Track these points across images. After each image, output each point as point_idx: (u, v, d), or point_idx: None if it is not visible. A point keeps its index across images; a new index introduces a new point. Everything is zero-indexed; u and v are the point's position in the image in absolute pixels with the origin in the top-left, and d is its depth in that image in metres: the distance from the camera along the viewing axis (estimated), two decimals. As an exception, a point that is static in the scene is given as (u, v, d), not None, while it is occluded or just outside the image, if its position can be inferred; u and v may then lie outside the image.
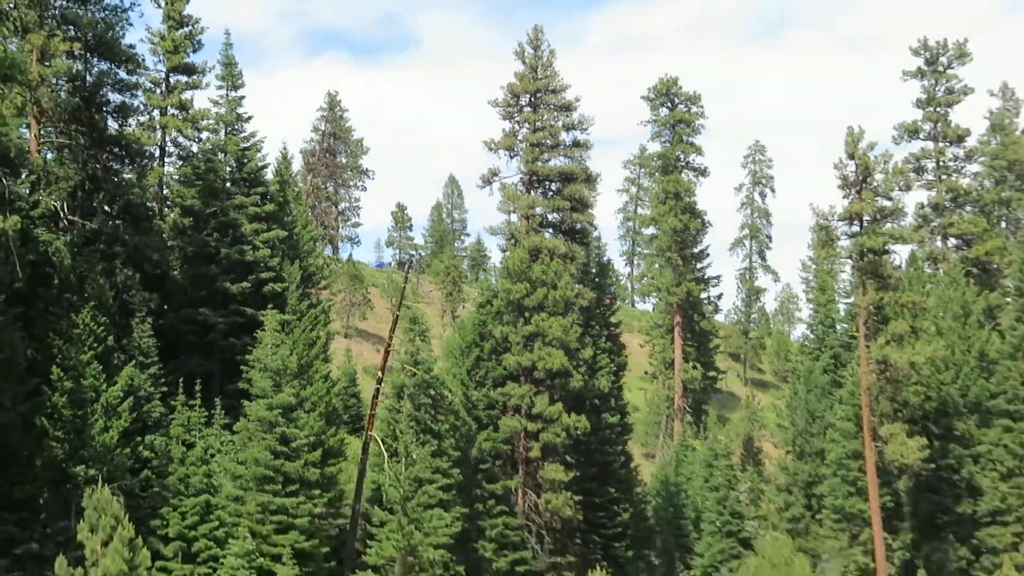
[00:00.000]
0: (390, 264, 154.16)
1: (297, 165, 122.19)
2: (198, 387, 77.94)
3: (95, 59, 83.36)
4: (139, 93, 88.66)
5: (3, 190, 67.52)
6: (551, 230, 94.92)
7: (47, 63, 76.91)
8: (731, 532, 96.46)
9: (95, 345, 69.46)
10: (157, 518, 68.72)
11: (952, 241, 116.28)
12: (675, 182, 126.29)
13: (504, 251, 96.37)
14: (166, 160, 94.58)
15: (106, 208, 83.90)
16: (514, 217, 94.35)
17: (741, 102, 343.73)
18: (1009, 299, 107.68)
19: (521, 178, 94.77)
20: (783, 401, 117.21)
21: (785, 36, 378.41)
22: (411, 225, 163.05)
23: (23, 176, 73.81)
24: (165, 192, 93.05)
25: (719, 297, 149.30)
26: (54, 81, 79.33)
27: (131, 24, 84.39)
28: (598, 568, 78.79)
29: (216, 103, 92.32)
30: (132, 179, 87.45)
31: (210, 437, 75.41)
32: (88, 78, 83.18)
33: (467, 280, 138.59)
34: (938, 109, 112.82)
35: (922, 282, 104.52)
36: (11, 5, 72.49)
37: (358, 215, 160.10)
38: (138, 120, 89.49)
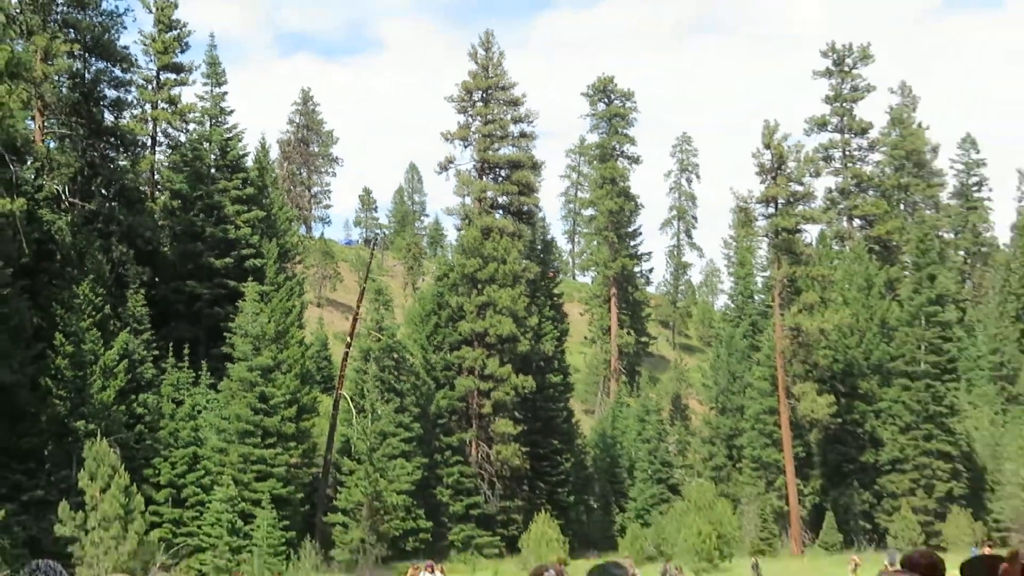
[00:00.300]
0: (357, 241, 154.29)
1: (274, 153, 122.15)
2: (186, 351, 78.26)
3: (93, 59, 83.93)
4: (132, 89, 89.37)
5: (11, 175, 67.39)
6: (501, 211, 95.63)
7: (50, 62, 77.66)
8: (661, 479, 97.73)
9: (94, 313, 70.16)
10: (150, 467, 69.32)
11: (856, 222, 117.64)
12: (611, 169, 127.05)
13: (459, 230, 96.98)
14: (157, 149, 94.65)
15: (103, 191, 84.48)
16: (468, 200, 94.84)
17: (673, 98, 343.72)
18: (907, 273, 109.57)
19: (474, 165, 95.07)
20: (707, 363, 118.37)
21: (708, 39, 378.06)
22: (376, 207, 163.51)
23: (29, 163, 74.05)
24: (156, 177, 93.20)
25: (650, 271, 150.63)
26: (56, 78, 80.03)
27: (125, 27, 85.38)
28: (543, 511, 79.47)
29: (202, 98, 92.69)
30: (126, 166, 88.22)
31: (197, 396, 76.08)
32: (87, 76, 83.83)
33: (426, 256, 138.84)
34: (844, 105, 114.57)
35: (830, 258, 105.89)
36: (18, 10, 73.24)
37: (329, 198, 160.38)
38: (131, 113, 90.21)
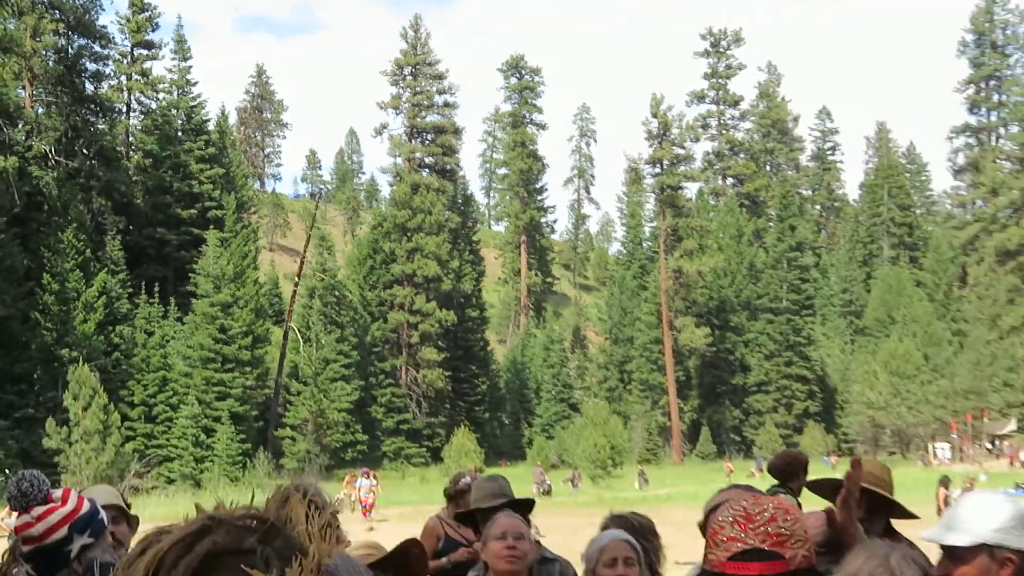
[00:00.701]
0: (304, 195, 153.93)
1: (232, 119, 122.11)
2: (156, 289, 78.82)
3: (75, 36, 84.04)
4: (110, 63, 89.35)
5: (4, 137, 68.14)
6: (427, 170, 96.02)
7: (38, 39, 78.08)
8: (563, 399, 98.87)
9: (76, 256, 70.49)
10: (125, 389, 69.91)
11: (729, 180, 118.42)
12: (521, 134, 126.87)
13: (392, 186, 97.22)
14: (131, 115, 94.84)
15: (84, 151, 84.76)
16: (399, 160, 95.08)
17: (577, 71, 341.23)
18: (771, 224, 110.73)
19: (405, 130, 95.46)
20: (603, 300, 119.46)
21: (609, 18, 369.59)
22: (320, 166, 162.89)
23: (20, 126, 73.96)
24: (130, 139, 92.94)
25: (554, 221, 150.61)
26: (43, 53, 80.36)
27: (103, 9, 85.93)
28: (462, 427, 79.43)
29: (170, 71, 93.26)
30: (105, 129, 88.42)
31: (166, 327, 76.64)
32: (70, 51, 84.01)
33: (363, 208, 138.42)
34: (719, 80, 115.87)
35: (707, 211, 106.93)
36: (10, -7, 73.79)
37: (279, 158, 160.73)
38: (109, 84, 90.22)
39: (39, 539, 4.80)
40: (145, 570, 1.23)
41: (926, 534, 4.21)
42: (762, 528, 2.90)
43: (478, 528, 6.93)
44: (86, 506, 5.05)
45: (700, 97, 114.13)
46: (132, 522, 6.15)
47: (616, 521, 5.97)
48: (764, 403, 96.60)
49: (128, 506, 6.25)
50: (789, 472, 8.04)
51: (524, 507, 7.04)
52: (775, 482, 8.15)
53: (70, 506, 4.97)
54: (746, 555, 2.89)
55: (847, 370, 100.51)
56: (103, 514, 5.29)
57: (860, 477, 4.93)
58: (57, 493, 5.18)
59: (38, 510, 4.93)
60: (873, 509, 5.54)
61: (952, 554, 3.92)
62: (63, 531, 4.80)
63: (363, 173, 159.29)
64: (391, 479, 66.64)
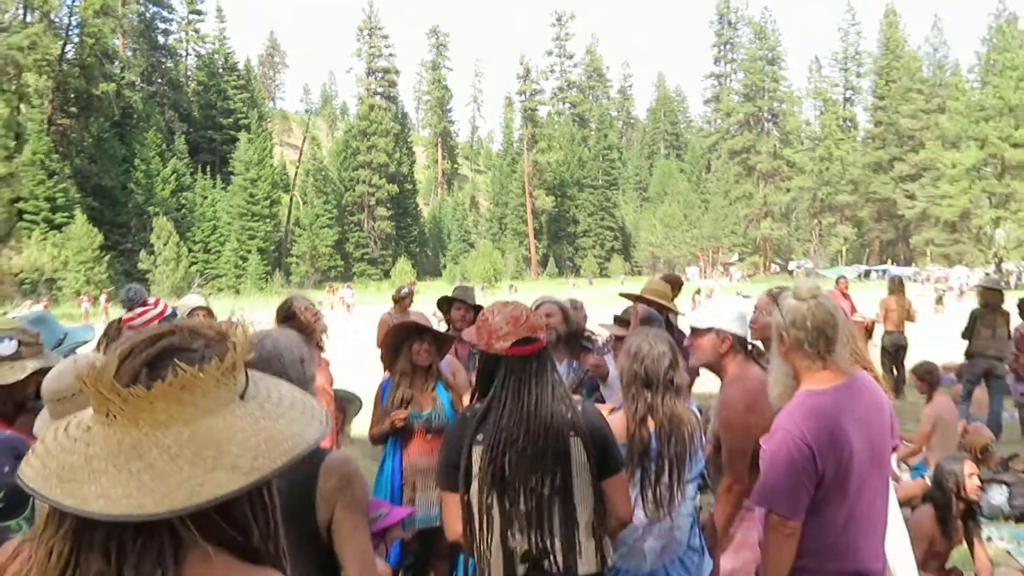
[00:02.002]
0: (301, 111, 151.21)
1: (254, 61, 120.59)
2: (208, 169, 79.45)
3: (150, 5, 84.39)
4: (173, 22, 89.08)
5: (106, 71, 67.48)
6: (379, 96, 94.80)
7: (126, 6, 78.86)
8: (464, 240, 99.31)
9: (156, 148, 71.69)
10: (189, 232, 70.89)
11: (567, 104, 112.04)
12: (437, 75, 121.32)
13: (357, 106, 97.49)
14: (188, 57, 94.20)
15: (158, 80, 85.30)
16: (361, 89, 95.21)
17: (474, 33, 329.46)
18: (593, 131, 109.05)
19: (364, 70, 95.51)
20: (489, 179, 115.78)
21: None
22: (310, 92, 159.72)
23: (115, 64, 73.26)
24: (188, 74, 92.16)
25: (458, 130, 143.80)
26: (130, 16, 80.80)
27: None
28: (403, 256, 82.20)
29: (214, 30, 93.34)
30: (171, 66, 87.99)
31: (214, 194, 77.03)
32: (147, 15, 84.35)
33: (339, 119, 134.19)
34: (561, 42, 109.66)
35: (552, 124, 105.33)
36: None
37: (284, 87, 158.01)
38: (173, 37, 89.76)
39: (138, 328, 4.68)
40: (119, 355, 1.24)
41: (685, 319, 4.52)
42: (524, 321, 2.93)
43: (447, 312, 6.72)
44: (169, 309, 5.25)
45: (549, 52, 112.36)
46: (214, 317, 6.02)
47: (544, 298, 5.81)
48: (586, 243, 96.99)
49: (209, 307, 6.21)
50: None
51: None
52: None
53: (159, 308, 5.19)
54: (519, 342, 2.90)
55: (637, 223, 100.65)
56: (179, 315, 5.52)
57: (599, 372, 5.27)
58: (151, 299, 5.47)
59: (139, 309, 5.13)
60: (658, 309, 5.68)
61: (695, 332, 4.02)
62: (154, 324, 4.72)
63: (338, 98, 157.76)
64: (359, 289, 65.37)
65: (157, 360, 1.24)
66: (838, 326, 3.04)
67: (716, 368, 4.00)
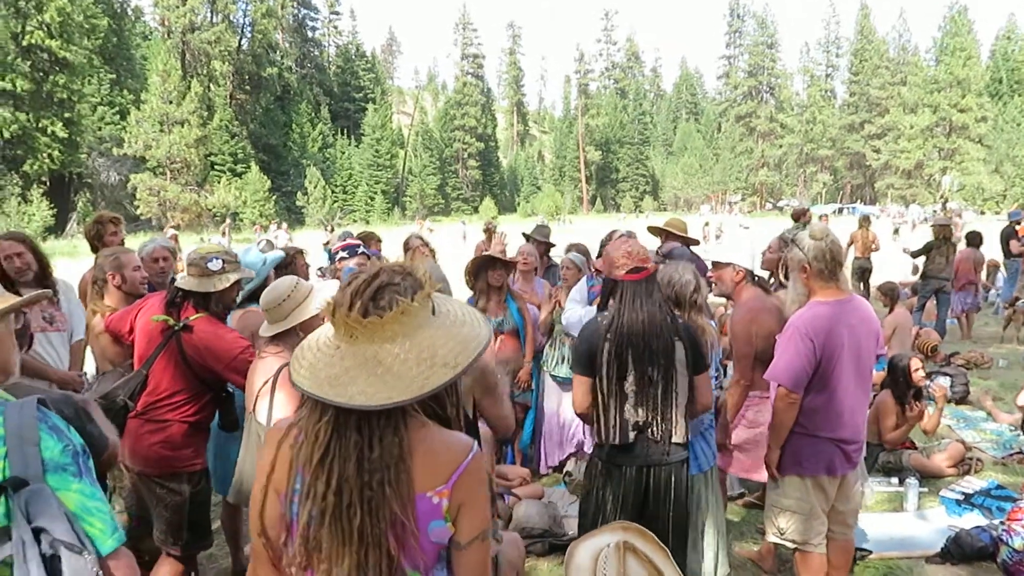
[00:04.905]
0: (413, 87, 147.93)
1: (379, 50, 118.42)
2: (346, 132, 78.38)
3: (301, 7, 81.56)
4: (318, 21, 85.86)
5: (271, 57, 67.42)
6: (470, 76, 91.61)
7: (284, 9, 76.00)
8: (534, 184, 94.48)
9: (308, 115, 71.18)
10: (331, 179, 69.92)
11: (612, 80, 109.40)
12: (514, 59, 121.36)
13: (456, 82, 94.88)
14: (330, 47, 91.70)
15: (308, 64, 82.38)
16: (457, 71, 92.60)
17: (542, 26, 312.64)
18: (629, 103, 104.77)
19: (459, 55, 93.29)
20: (551, 138, 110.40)
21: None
22: (419, 73, 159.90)
23: (277, 52, 72.29)
24: (329, 60, 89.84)
25: (528, 102, 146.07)
26: (287, 16, 78.00)
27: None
28: (488, 196, 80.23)
29: (349, 26, 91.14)
30: (318, 54, 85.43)
31: (350, 150, 75.39)
32: (299, 15, 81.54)
33: (441, 93, 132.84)
34: (608, 33, 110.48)
35: (600, 96, 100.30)
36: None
37: (400, 69, 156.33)
38: (318, 32, 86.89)
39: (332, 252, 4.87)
40: (351, 292, 1.35)
41: (705, 255, 4.27)
42: (638, 255, 2.92)
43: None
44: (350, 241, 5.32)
45: (598, 40, 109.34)
46: (431, 248, 6.08)
47: (575, 247, 5.83)
48: (625, 187, 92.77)
49: (427, 242, 6.10)
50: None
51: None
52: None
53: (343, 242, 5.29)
54: (633, 270, 2.90)
55: (664, 172, 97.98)
56: (408, 248, 5.70)
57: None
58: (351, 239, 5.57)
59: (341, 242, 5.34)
60: (680, 241, 5.32)
61: (716, 265, 3.89)
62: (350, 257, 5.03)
63: (440, 76, 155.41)
64: (457, 219, 63.22)
65: (376, 294, 1.35)
66: (844, 257, 3.17)
67: (731, 296, 3.97)
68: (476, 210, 78.98)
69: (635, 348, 2.86)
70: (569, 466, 5.13)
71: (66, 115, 43.36)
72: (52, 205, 41.74)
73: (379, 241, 6.68)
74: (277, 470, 1.40)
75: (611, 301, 3.01)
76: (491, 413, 2.52)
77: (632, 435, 2.89)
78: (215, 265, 3.20)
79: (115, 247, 4.17)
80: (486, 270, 4.90)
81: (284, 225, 36.21)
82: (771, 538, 3.33)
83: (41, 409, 1.54)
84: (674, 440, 2.92)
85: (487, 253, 5.05)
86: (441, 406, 1.43)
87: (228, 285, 3.21)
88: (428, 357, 1.31)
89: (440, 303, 1.44)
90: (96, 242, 4.49)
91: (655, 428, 2.89)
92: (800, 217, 10.11)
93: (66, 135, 43.15)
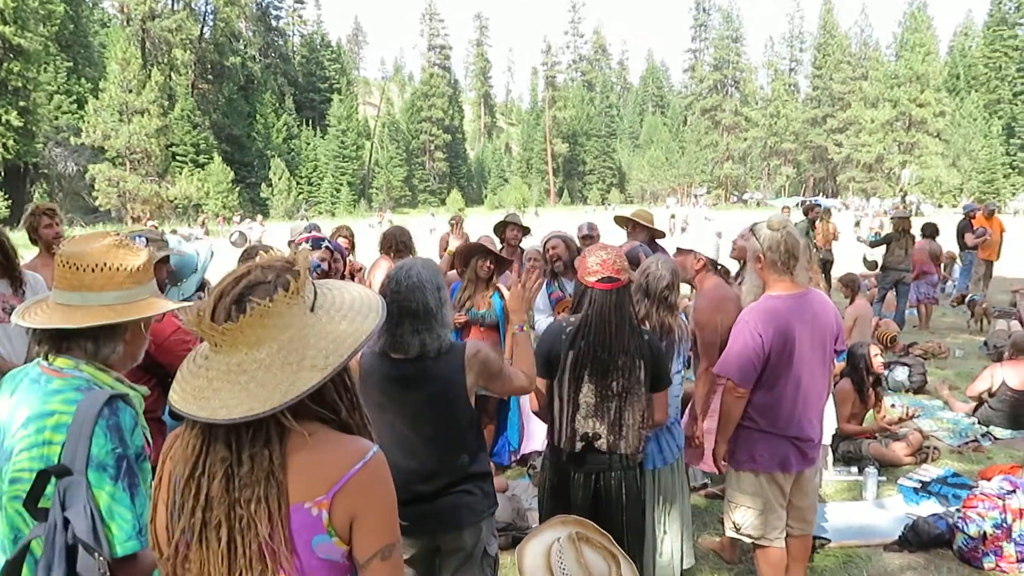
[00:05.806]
0: (378, 78, 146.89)
1: (344, 40, 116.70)
2: (310, 123, 76.82)
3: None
4: (283, 10, 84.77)
5: (234, 47, 66.39)
6: (437, 67, 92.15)
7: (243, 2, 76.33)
8: (500, 176, 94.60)
9: (271, 106, 69.82)
10: (296, 170, 69.46)
11: (579, 72, 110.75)
12: (481, 50, 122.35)
13: (421, 73, 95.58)
14: (295, 36, 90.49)
15: (272, 54, 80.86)
16: (424, 61, 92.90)
17: (505, 18, 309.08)
18: (596, 94, 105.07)
19: (426, 46, 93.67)
20: (518, 130, 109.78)
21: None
22: (385, 64, 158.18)
23: (240, 41, 71.08)
24: (294, 49, 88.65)
25: (495, 93, 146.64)
26: (250, 4, 76.14)
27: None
28: (455, 188, 79.92)
29: (313, 15, 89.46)
30: (282, 43, 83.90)
31: (315, 140, 74.45)
32: (263, 3, 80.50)
33: (407, 84, 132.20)
34: (575, 25, 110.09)
35: (567, 88, 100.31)
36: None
37: (366, 60, 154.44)
38: (282, 21, 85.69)
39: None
40: (213, 297, 1.26)
41: (671, 242, 4.39)
42: (612, 264, 2.85)
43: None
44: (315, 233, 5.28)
45: (565, 33, 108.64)
46: (353, 236, 6.24)
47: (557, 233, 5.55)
48: (592, 179, 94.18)
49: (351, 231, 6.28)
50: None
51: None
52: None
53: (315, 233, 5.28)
54: (604, 279, 2.84)
55: (630, 164, 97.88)
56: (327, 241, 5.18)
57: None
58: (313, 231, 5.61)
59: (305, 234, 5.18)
60: (646, 232, 5.47)
61: (679, 251, 3.96)
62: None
63: (406, 67, 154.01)
64: (424, 211, 64.24)
65: (241, 296, 1.26)
66: (801, 251, 3.09)
67: (692, 283, 4.00)
68: (443, 202, 78.70)
69: (597, 362, 2.85)
70: (534, 459, 5.12)
71: (21, 103, 42.40)
72: (7, 196, 40.88)
73: (350, 237, 6.25)
74: (163, 481, 1.33)
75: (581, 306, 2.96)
76: (506, 391, 2.63)
77: (580, 445, 2.90)
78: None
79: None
80: (476, 259, 4.89)
81: (260, 217, 35.93)
82: (729, 533, 3.34)
83: (111, 406, 1.61)
84: (622, 452, 2.92)
85: (482, 243, 5.07)
86: (334, 411, 1.31)
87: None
88: (295, 361, 1.22)
89: (328, 293, 1.34)
90: (32, 234, 4.39)
91: (603, 442, 2.90)
92: (810, 212, 10.29)
93: (21, 124, 42.22)
